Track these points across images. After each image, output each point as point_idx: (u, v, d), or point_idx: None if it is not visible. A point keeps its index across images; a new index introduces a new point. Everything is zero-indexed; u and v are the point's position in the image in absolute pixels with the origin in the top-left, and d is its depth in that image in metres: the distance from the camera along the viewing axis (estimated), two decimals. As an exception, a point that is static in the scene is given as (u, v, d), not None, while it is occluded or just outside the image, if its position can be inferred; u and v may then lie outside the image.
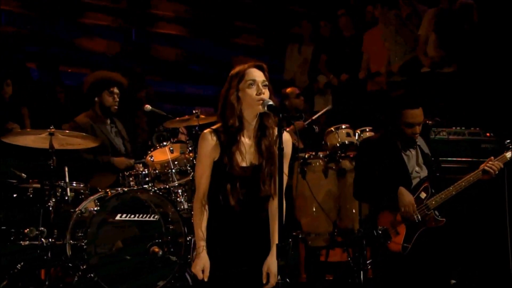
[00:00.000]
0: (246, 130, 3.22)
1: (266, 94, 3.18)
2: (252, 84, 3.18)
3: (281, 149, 3.04)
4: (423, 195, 4.56)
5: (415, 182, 4.60)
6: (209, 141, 3.19)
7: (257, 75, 3.20)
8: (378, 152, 4.62)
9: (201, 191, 3.22)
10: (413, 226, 4.48)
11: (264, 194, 3.20)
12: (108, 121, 5.87)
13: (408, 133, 4.57)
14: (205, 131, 3.25)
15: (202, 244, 3.18)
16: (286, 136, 3.22)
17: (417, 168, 4.65)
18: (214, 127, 3.25)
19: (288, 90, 7.16)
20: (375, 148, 4.67)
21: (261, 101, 3.14)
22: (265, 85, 3.19)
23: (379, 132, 4.92)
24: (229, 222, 3.21)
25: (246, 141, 3.22)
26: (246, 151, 3.20)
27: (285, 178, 3.16)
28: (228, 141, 3.19)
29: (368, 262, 5.16)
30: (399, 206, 4.47)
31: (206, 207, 3.22)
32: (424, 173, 4.65)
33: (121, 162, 5.68)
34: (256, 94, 3.16)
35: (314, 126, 6.65)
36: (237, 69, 3.24)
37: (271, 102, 3.14)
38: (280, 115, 3.06)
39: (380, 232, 4.47)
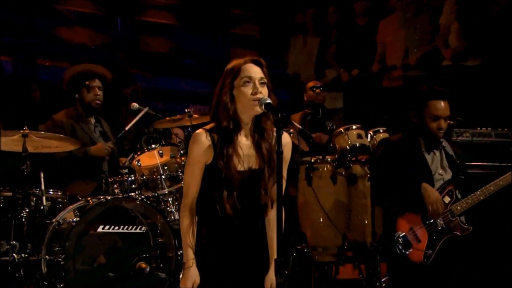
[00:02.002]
0: (243, 130, 3.19)
1: (264, 92, 3.13)
2: (248, 81, 3.14)
3: (280, 152, 2.99)
4: (447, 199, 4.54)
5: (438, 184, 4.58)
6: (201, 143, 3.15)
7: (254, 71, 3.16)
8: (398, 153, 4.60)
9: (189, 198, 3.20)
10: (435, 233, 4.44)
11: (265, 202, 3.17)
12: (92, 120, 5.83)
13: (433, 128, 4.58)
14: (197, 131, 3.21)
15: (191, 257, 3.15)
16: (286, 138, 3.19)
17: (440, 171, 4.65)
18: (207, 127, 3.22)
19: (309, 83, 7.22)
20: (395, 150, 4.65)
21: (257, 101, 3.09)
22: (262, 83, 3.15)
23: (399, 133, 4.89)
24: (225, 233, 3.17)
25: (244, 142, 3.19)
26: (244, 154, 3.17)
27: (284, 183, 3.11)
28: (223, 142, 3.15)
29: (383, 280, 5.11)
30: (425, 204, 4.44)
31: (195, 215, 3.19)
32: (448, 176, 4.64)
33: (99, 148, 5.61)
34: (252, 93, 3.12)
35: (327, 122, 6.63)
36: (232, 64, 3.21)
37: (269, 101, 3.09)
38: (279, 114, 3.01)
39: (399, 239, 4.43)
